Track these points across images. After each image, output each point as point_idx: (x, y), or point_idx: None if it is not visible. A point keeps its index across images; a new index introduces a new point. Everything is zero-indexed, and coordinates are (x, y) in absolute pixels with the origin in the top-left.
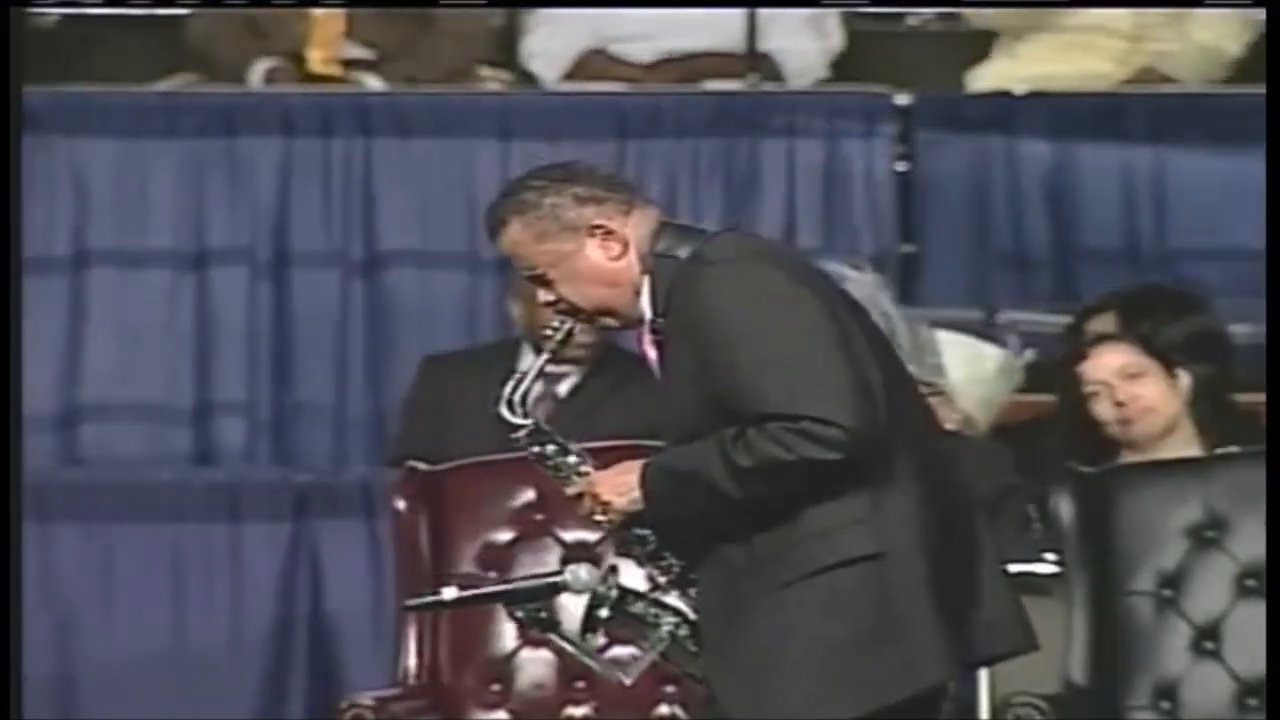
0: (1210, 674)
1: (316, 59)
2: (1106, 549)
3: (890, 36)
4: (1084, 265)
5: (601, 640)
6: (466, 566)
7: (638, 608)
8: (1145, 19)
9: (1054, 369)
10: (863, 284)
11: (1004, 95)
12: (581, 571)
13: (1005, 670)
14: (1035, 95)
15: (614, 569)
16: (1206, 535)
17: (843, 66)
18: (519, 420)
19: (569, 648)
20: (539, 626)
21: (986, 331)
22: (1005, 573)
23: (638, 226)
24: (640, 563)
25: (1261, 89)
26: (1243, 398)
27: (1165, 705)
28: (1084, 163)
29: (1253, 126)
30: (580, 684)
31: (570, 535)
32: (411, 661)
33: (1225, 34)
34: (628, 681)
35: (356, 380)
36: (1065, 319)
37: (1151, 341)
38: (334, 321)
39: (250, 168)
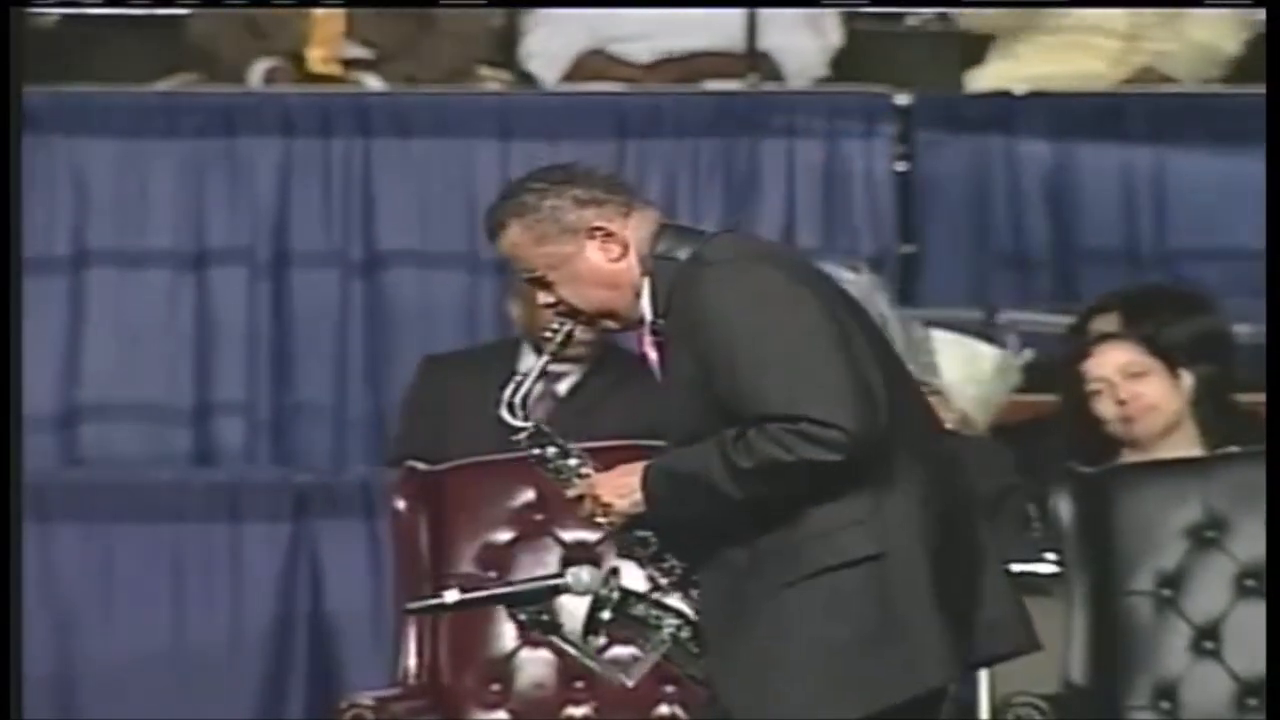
0: (1210, 674)
1: (316, 59)
2: (1106, 549)
3: (889, 36)
4: (1084, 265)
5: (602, 641)
6: (466, 566)
7: (639, 610)
8: (1140, 19)
9: (1054, 369)
10: (859, 285)
11: (1004, 95)
12: (583, 574)
13: (1005, 670)
14: (1035, 95)
15: (615, 571)
16: (1206, 535)
17: (842, 66)
18: (519, 423)
19: (571, 650)
20: (541, 629)
21: (986, 331)
22: (1007, 572)
23: (637, 228)
24: (642, 564)
25: (1261, 89)
26: (1243, 398)
27: (1165, 705)
28: (1084, 163)
29: (1252, 126)
30: (580, 684)
31: (570, 535)
32: (411, 661)
33: (1222, 32)
34: (630, 683)
35: (356, 380)
36: (1065, 319)
37: (1155, 341)
38: (334, 321)
39: (250, 168)
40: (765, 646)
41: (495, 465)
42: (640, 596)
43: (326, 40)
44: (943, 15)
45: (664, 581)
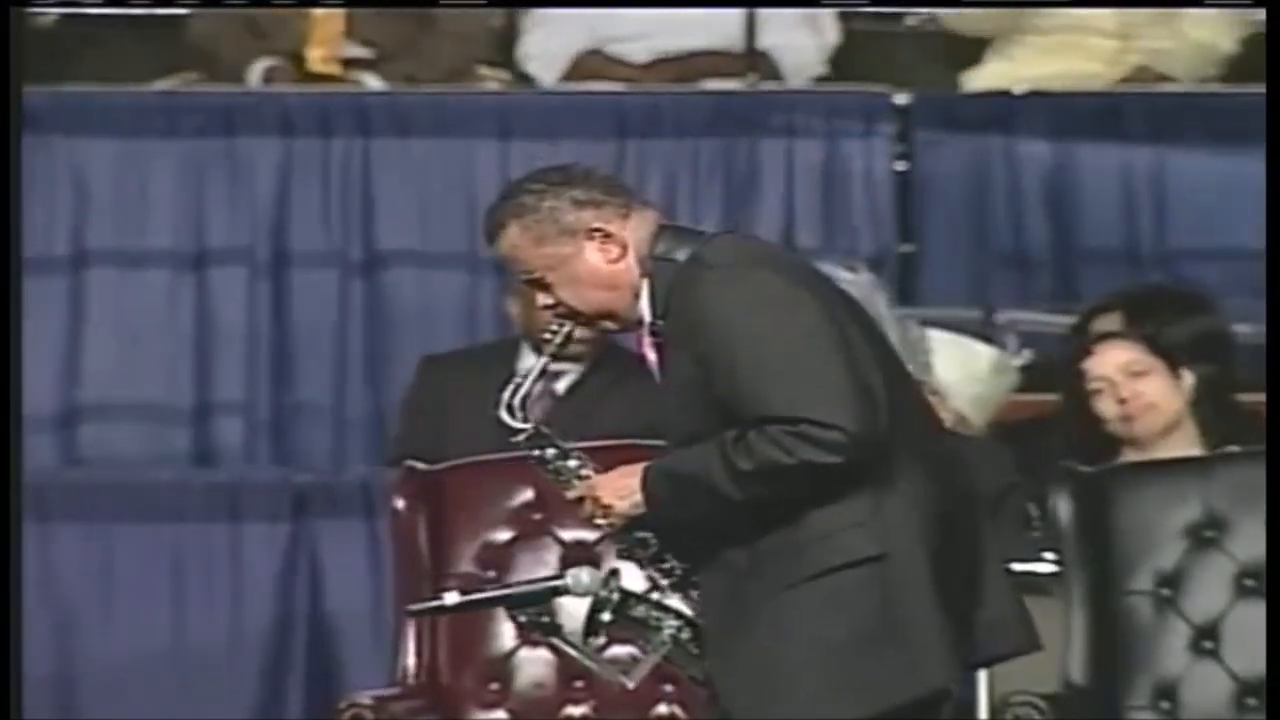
0: (1209, 674)
1: (316, 58)
2: (1105, 549)
3: (889, 36)
4: (1083, 265)
5: (602, 641)
6: (465, 566)
7: (639, 611)
8: (1131, 18)
9: (1053, 369)
10: (858, 285)
11: (1003, 95)
12: (583, 575)
13: (1004, 670)
14: (1034, 95)
15: (615, 572)
16: (1205, 535)
17: (841, 66)
18: (519, 424)
19: (571, 651)
20: (541, 631)
21: (985, 331)
22: (1008, 572)
23: (636, 229)
24: (642, 565)
25: (1261, 89)
26: (1243, 398)
27: (1164, 705)
28: (1083, 162)
29: (1252, 126)
30: (579, 683)
31: (569, 535)
32: (410, 661)
33: (1219, 31)
34: (631, 685)
35: (356, 380)
36: (1064, 319)
37: (1156, 340)
38: (333, 321)
39: (250, 168)
40: (766, 647)
41: (494, 465)
42: (640, 598)
43: (326, 40)
44: (931, 17)
45: (664, 582)
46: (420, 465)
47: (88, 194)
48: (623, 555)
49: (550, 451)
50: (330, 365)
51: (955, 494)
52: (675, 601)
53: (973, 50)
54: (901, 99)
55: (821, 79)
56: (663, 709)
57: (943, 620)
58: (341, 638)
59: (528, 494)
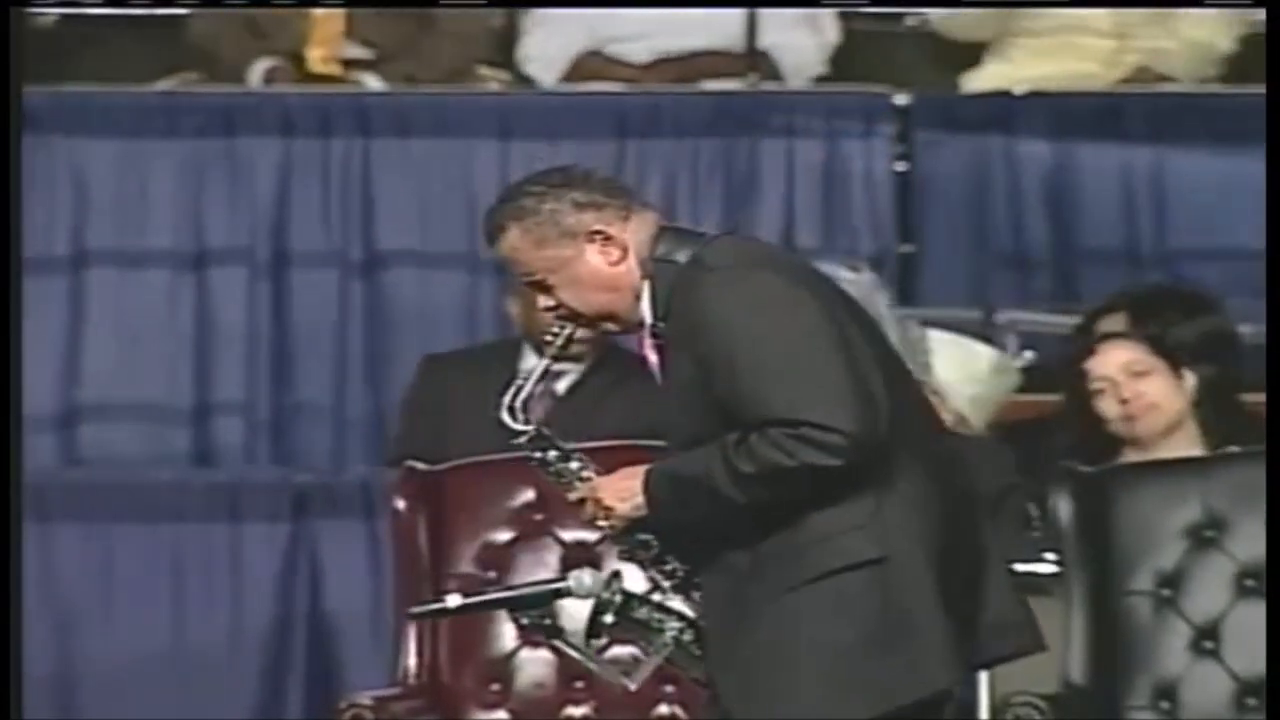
0: (1209, 674)
1: (316, 58)
2: (1105, 549)
3: (888, 36)
4: (1083, 265)
5: (604, 642)
6: (466, 566)
7: (642, 613)
8: (1125, 17)
9: (1053, 369)
10: (859, 285)
11: (1003, 95)
12: (585, 577)
13: (1005, 670)
14: (1034, 95)
15: (617, 574)
16: (1205, 535)
17: (841, 66)
18: (520, 426)
19: (573, 653)
20: (543, 633)
21: (985, 332)
22: (1010, 572)
23: (637, 231)
24: (644, 567)
25: (1261, 89)
26: (1244, 398)
27: (1164, 705)
28: (1083, 163)
29: (1252, 126)
30: (579, 684)
31: (570, 535)
32: (411, 661)
33: (1216, 30)
34: (633, 687)
35: (356, 380)
36: (1064, 319)
37: (1160, 341)
38: (333, 321)
39: (250, 168)
40: (767, 649)
41: (495, 465)
42: (642, 600)
43: (326, 40)
44: (924, 20)
45: (666, 584)
46: (420, 465)
47: (88, 194)
48: (624, 557)
49: (552, 453)
50: (330, 365)
51: (956, 494)
52: (677, 603)
53: (971, 51)
54: (901, 99)
55: (821, 79)
56: (663, 710)
57: (944, 621)
58: (341, 638)
59: (528, 494)
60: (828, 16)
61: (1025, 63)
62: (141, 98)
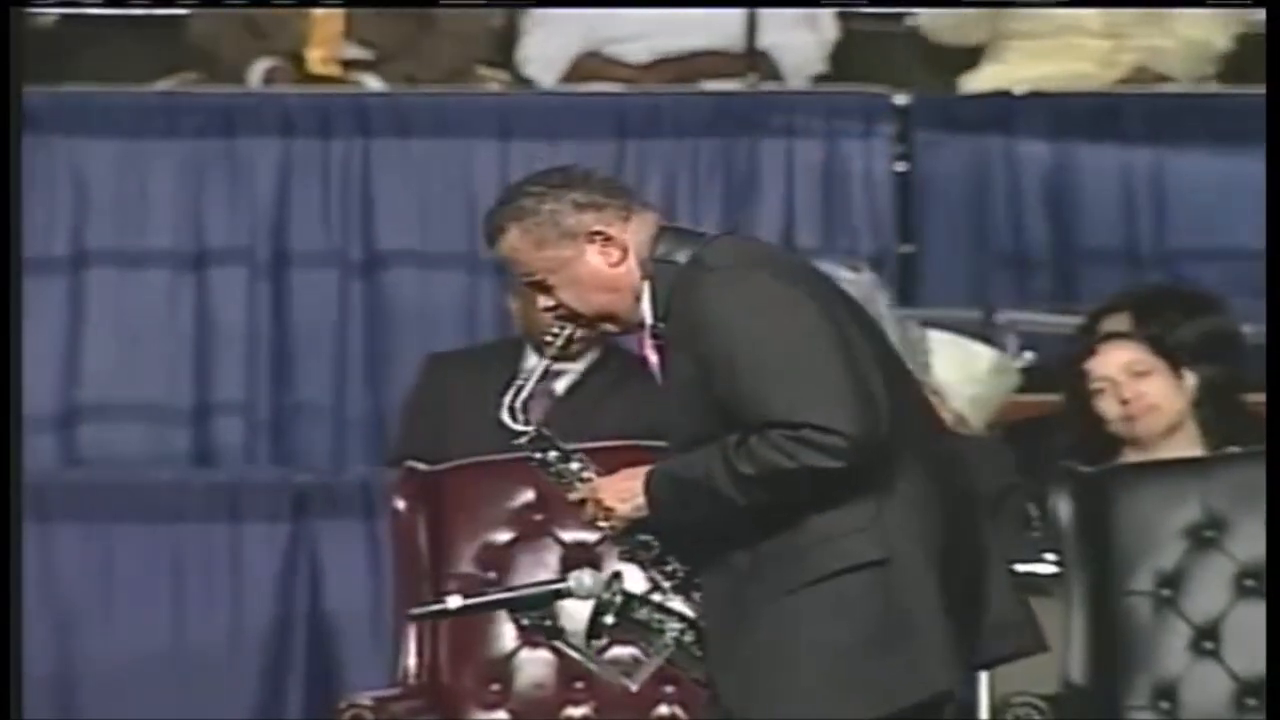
0: (1209, 674)
1: (315, 59)
2: (1105, 549)
3: (888, 36)
4: (1083, 265)
5: (604, 643)
6: (466, 567)
7: (642, 614)
8: (1117, 17)
9: (1053, 369)
10: (859, 285)
11: (1003, 95)
12: (585, 578)
13: (1005, 670)
14: (1034, 95)
15: (618, 575)
16: (1205, 535)
17: (840, 66)
18: (520, 427)
19: (573, 654)
20: (544, 633)
21: (985, 332)
22: (1012, 572)
23: (637, 232)
24: (644, 567)
25: (1261, 89)
26: (1244, 398)
27: (1164, 705)
28: (1083, 163)
29: (1252, 126)
30: (579, 684)
31: (570, 536)
32: (411, 661)
33: (1212, 28)
34: (634, 687)
35: (356, 380)
36: (1064, 319)
37: (1162, 341)
38: (333, 321)
39: (250, 168)
40: (768, 650)
41: (495, 465)
42: (643, 600)
43: (325, 41)
44: (915, 27)
45: (666, 585)
46: (420, 466)
47: (88, 194)
48: (625, 557)
49: (552, 454)
50: (330, 365)
51: (956, 494)
52: (678, 604)
53: (969, 52)
54: (901, 99)
55: (821, 77)
56: (663, 710)
57: (946, 623)
58: (341, 638)
59: (528, 495)
60: (826, 14)
61: (1021, 64)
62: (141, 98)
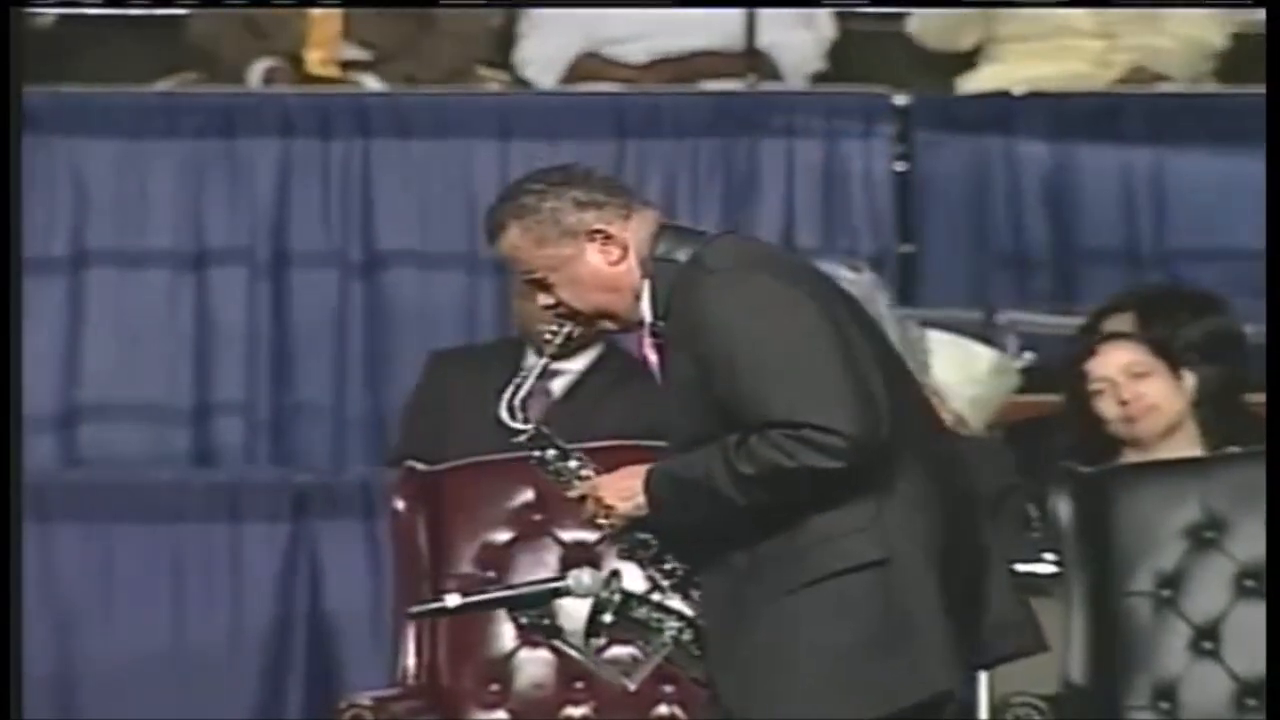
0: (1209, 674)
1: (314, 60)
2: (1105, 549)
3: (888, 36)
4: (1083, 266)
5: (602, 641)
6: (465, 567)
7: (641, 612)
8: (1109, 17)
9: (1053, 369)
10: (860, 284)
11: (1002, 95)
12: (584, 576)
13: (1004, 670)
14: (1033, 95)
15: (616, 573)
16: (1205, 535)
17: (839, 65)
18: (520, 425)
19: (572, 652)
20: (542, 632)
21: (985, 332)
22: (1012, 572)
23: (637, 230)
24: (642, 566)
25: (1261, 88)
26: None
27: (1164, 705)
28: (1083, 163)
29: (1252, 126)
30: (579, 684)
31: (569, 535)
32: (410, 661)
33: (1208, 26)
34: (632, 686)
35: (356, 380)
36: (1064, 319)
37: (1164, 341)
38: (333, 322)
39: (249, 168)
40: (767, 651)
41: (494, 465)
42: (641, 599)
43: (324, 42)
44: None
45: (665, 584)
46: (420, 466)
47: (88, 194)
48: (624, 556)
49: (551, 452)
50: (330, 365)
51: (956, 494)
52: (676, 603)
53: (963, 55)
54: (901, 99)
55: (819, 75)
56: (663, 710)
57: (946, 623)
58: (341, 638)
59: (528, 495)
60: (824, 13)
61: (1015, 66)
62: (141, 98)
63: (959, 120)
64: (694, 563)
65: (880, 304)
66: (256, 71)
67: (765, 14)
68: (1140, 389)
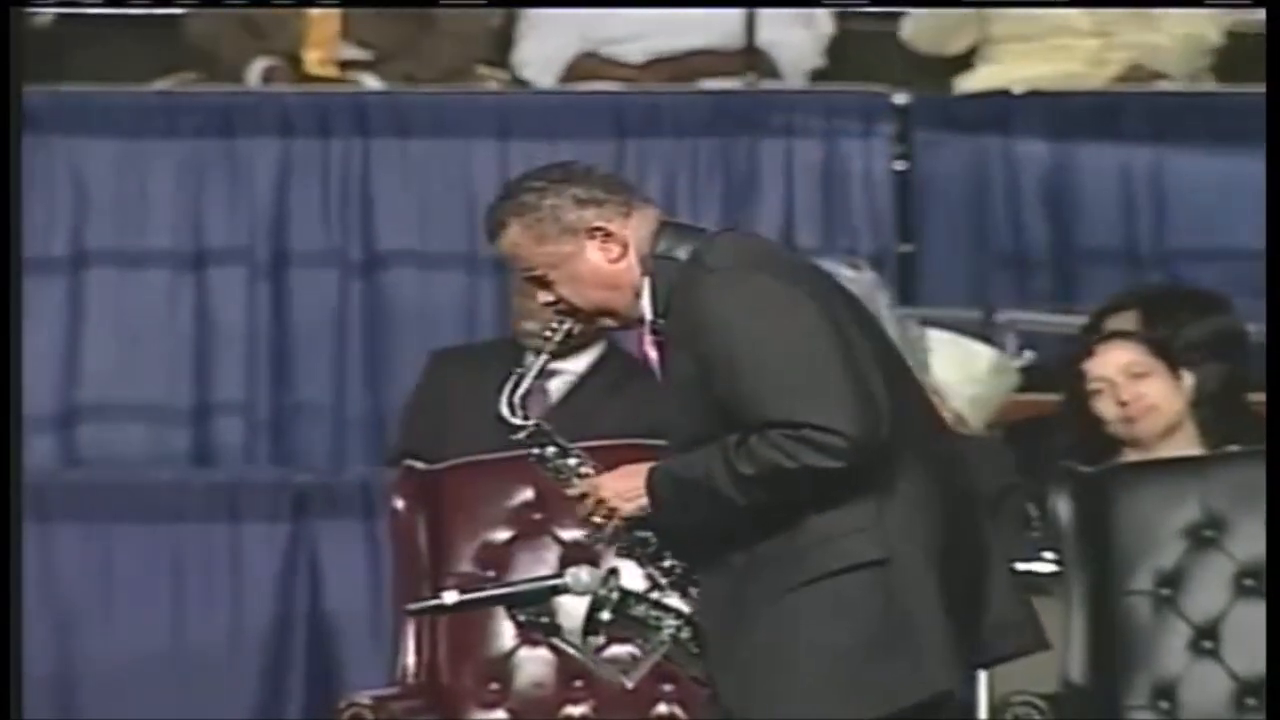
0: (1209, 673)
1: (313, 60)
2: (1105, 548)
3: (888, 36)
4: (1082, 265)
5: (601, 640)
6: (465, 566)
7: (639, 610)
8: (1104, 16)
9: (1053, 369)
10: (860, 283)
11: (1002, 95)
12: (583, 574)
13: (1004, 669)
14: (1033, 95)
15: (615, 571)
16: (1205, 535)
17: (839, 64)
18: (519, 421)
19: (570, 650)
20: (541, 630)
21: (984, 332)
22: (1013, 571)
23: (637, 228)
24: (641, 564)
25: (1260, 88)
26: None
27: (1164, 705)
28: (1082, 162)
29: (1252, 126)
30: (578, 683)
31: (568, 534)
32: (410, 660)
33: (1204, 23)
34: (630, 684)
35: (355, 380)
36: (1064, 319)
37: (1163, 341)
38: (333, 322)
39: (249, 168)
40: (767, 651)
41: (494, 464)
42: (640, 597)
43: (322, 42)
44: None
45: (663, 581)
46: (419, 465)
47: (88, 194)
48: (622, 554)
49: (550, 449)
50: (330, 365)
51: (956, 494)
52: (675, 601)
53: (955, 58)
54: (901, 99)
55: (818, 73)
56: (662, 708)
57: (946, 623)
58: (341, 638)
59: (527, 493)
60: (822, 11)
61: (1011, 67)
62: (141, 98)
63: (958, 120)
64: (694, 562)
65: (880, 303)
66: (255, 71)
67: (764, 13)
68: (1139, 389)
